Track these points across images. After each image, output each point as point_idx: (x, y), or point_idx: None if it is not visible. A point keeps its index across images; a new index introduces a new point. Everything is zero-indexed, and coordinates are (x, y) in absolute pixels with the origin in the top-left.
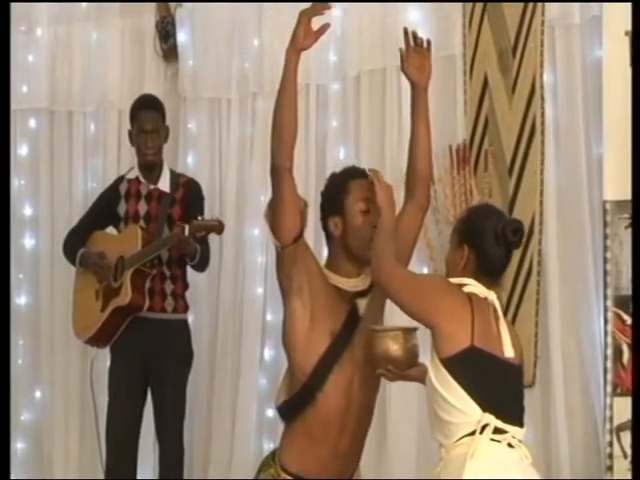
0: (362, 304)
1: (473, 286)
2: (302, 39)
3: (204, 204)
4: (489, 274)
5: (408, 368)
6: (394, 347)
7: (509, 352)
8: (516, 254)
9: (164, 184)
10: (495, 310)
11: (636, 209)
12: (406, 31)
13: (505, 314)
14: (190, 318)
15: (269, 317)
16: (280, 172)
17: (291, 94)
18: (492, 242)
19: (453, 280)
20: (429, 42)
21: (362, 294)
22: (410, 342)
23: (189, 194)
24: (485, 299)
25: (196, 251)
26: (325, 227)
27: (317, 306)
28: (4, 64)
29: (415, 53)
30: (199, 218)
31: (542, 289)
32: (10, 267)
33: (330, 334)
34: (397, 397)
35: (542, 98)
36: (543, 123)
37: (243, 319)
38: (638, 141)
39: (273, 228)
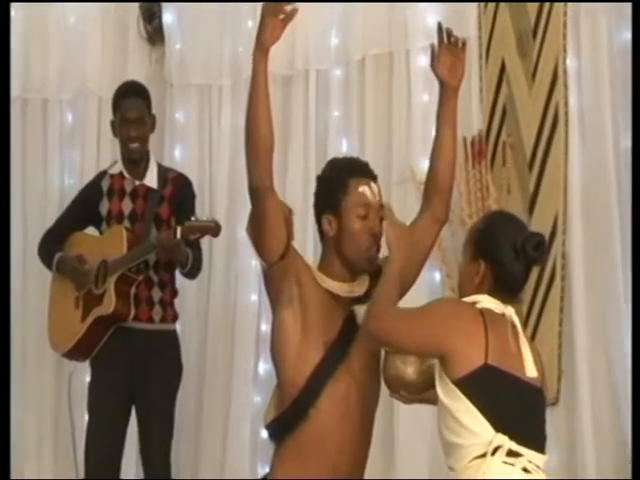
0: (360, 312)
1: (487, 302)
2: (269, 36)
3: (195, 202)
4: (507, 291)
5: (424, 392)
6: (409, 370)
7: (531, 371)
8: None
9: (151, 180)
10: (514, 327)
11: (636, 209)
12: (440, 27)
13: (525, 324)
14: (178, 327)
15: (264, 327)
16: (260, 193)
17: (263, 102)
18: (511, 258)
19: (465, 298)
20: (464, 43)
21: (359, 300)
22: (425, 363)
23: (179, 191)
24: (502, 315)
25: (187, 257)
26: (318, 222)
27: (309, 315)
28: (4, 64)
29: (448, 52)
30: (192, 219)
31: (566, 296)
32: (10, 267)
33: (324, 345)
34: (405, 409)
35: (565, 85)
36: (567, 112)
37: (235, 329)
38: (638, 142)
39: (257, 247)
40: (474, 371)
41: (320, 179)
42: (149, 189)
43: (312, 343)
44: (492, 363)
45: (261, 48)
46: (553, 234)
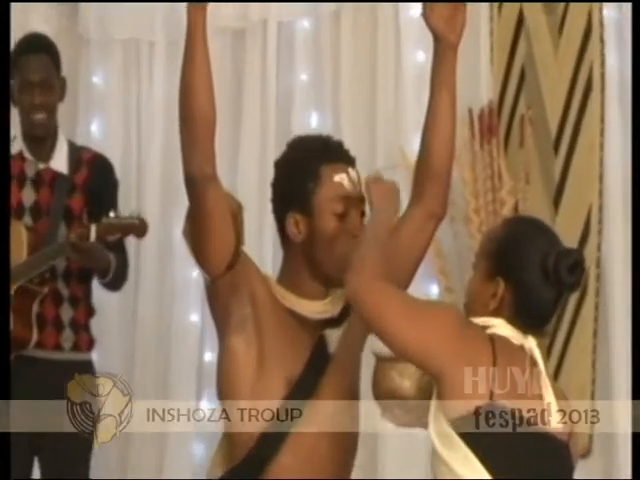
0: (333, 338)
1: (503, 328)
2: None
3: (117, 192)
4: (531, 321)
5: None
6: (406, 384)
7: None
8: None
9: (59, 162)
10: (535, 363)
11: (636, 209)
12: None
13: (548, 353)
14: (95, 357)
15: (208, 357)
16: (197, 183)
17: (200, 66)
18: (539, 280)
19: (475, 319)
20: None
21: (332, 323)
22: (426, 377)
23: (95, 177)
24: (520, 347)
25: (108, 263)
26: (280, 225)
27: (267, 342)
28: (4, 64)
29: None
30: (111, 214)
31: (601, 316)
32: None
33: (285, 381)
34: (393, 453)
35: (602, 41)
36: (603, 76)
37: (171, 359)
38: (638, 143)
39: (196, 254)
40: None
41: (281, 165)
42: (57, 174)
43: (270, 379)
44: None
45: (197, 4)
46: (585, 236)
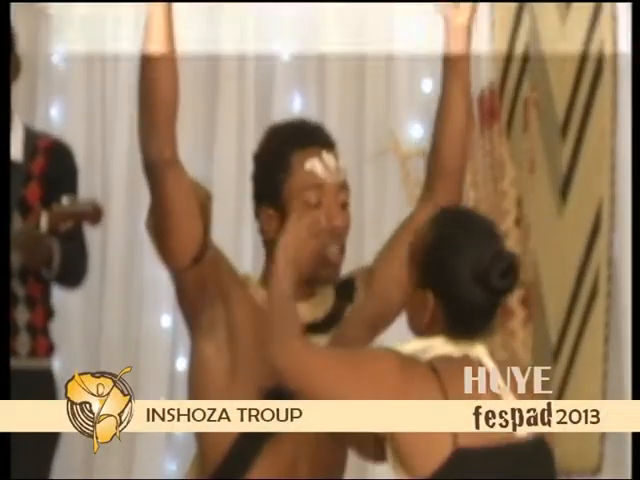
0: (320, 343)
1: (442, 346)
2: None
3: (77, 181)
4: (469, 331)
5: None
6: None
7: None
8: (573, 264)
9: (14, 149)
10: (487, 373)
11: (636, 209)
12: None
13: (554, 360)
14: (56, 364)
15: (181, 364)
16: (157, 169)
17: (160, 40)
18: (470, 288)
19: (409, 346)
20: None
21: (316, 328)
22: None
23: (53, 165)
24: (465, 357)
25: (50, 252)
26: (259, 222)
27: (241, 349)
28: (4, 64)
29: None
30: (63, 199)
31: (613, 321)
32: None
33: (259, 391)
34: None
35: (613, 17)
36: (615, 55)
37: (140, 367)
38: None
39: (158, 246)
40: (444, 464)
41: (256, 157)
42: (11, 163)
43: (244, 388)
44: (465, 445)
45: None
46: (595, 231)
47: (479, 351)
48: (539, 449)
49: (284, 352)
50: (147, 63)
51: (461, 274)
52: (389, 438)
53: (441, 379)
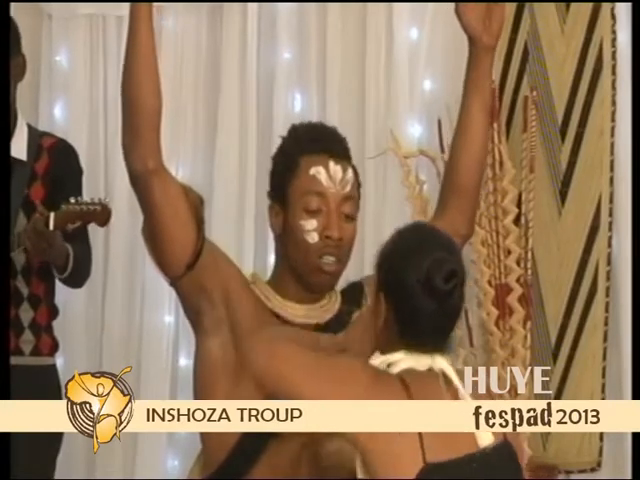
0: (326, 342)
1: (406, 360)
2: None
3: (82, 180)
4: (419, 340)
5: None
6: None
7: (485, 439)
8: (573, 260)
9: (19, 148)
10: (449, 382)
11: (635, 207)
12: None
13: (554, 360)
14: (59, 362)
15: (183, 361)
16: (141, 179)
17: (144, 52)
18: (418, 294)
19: (374, 361)
20: None
21: (322, 329)
22: None
23: (58, 164)
24: (429, 371)
25: (67, 255)
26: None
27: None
28: (4, 64)
29: None
30: (72, 200)
31: (613, 319)
32: (10, 267)
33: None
34: None
35: (613, 16)
36: (615, 55)
37: (142, 364)
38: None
39: (152, 255)
40: None
41: (274, 155)
42: (16, 162)
43: (249, 385)
44: (433, 460)
45: None
46: (594, 230)
47: (441, 363)
48: (503, 453)
49: (262, 353)
50: (129, 75)
51: (407, 278)
52: (359, 452)
53: (410, 392)
